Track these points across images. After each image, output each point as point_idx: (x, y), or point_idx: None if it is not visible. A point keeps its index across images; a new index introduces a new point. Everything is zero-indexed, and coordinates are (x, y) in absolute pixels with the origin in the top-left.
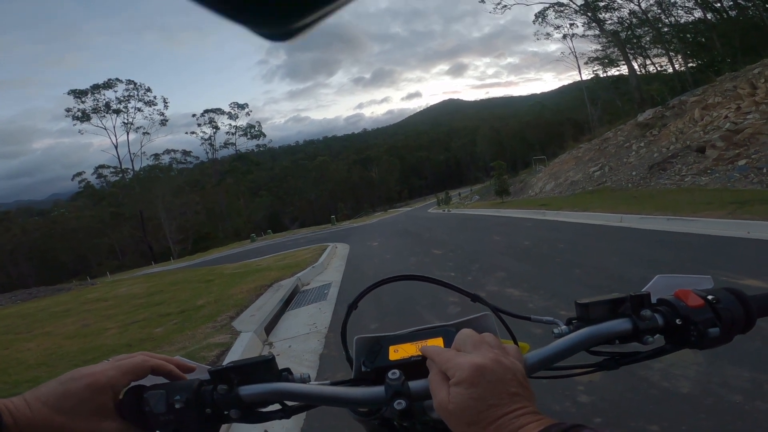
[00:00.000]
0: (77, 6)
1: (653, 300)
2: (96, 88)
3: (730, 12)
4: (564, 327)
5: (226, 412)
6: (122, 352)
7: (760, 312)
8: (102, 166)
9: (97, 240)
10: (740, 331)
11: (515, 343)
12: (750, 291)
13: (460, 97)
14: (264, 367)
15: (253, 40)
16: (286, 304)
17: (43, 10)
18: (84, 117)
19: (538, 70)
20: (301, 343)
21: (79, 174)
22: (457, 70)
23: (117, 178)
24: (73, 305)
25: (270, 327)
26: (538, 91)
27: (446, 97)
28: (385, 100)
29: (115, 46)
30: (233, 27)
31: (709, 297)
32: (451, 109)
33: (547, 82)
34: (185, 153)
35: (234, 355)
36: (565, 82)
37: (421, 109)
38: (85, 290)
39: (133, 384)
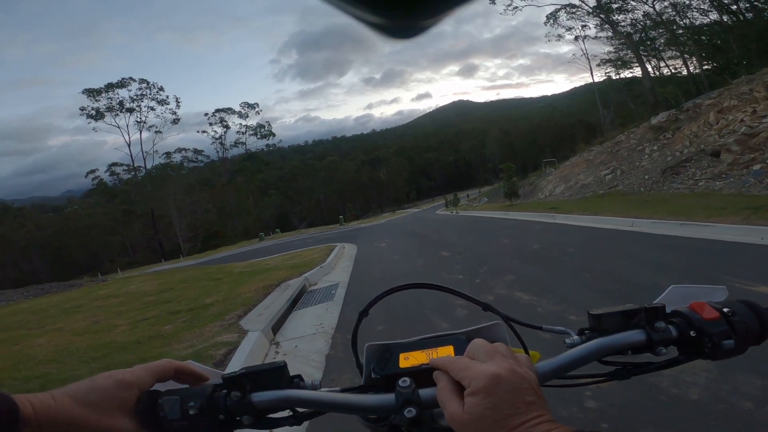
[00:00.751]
0: (98, 5)
1: (667, 311)
2: (110, 87)
3: (746, 14)
4: (576, 337)
5: (238, 418)
6: (132, 349)
7: None
8: (115, 164)
9: (109, 237)
10: (754, 342)
11: (526, 352)
12: (764, 298)
13: (470, 99)
14: (276, 374)
15: (266, 38)
16: (294, 303)
17: (64, 8)
18: (98, 115)
19: (550, 72)
20: (308, 343)
21: (93, 171)
22: (468, 71)
23: (129, 176)
24: (84, 301)
25: (277, 326)
26: (549, 93)
27: (456, 98)
28: (394, 100)
29: (132, 45)
30: (246, 26)
31: (725, 309)
32: (460, 110)
33: (558, 83)
34: (196, 152)
35: (241, 354)
36: (577, 84)
37: (431, 110)
38: (96, 287)
39: (148, 390)
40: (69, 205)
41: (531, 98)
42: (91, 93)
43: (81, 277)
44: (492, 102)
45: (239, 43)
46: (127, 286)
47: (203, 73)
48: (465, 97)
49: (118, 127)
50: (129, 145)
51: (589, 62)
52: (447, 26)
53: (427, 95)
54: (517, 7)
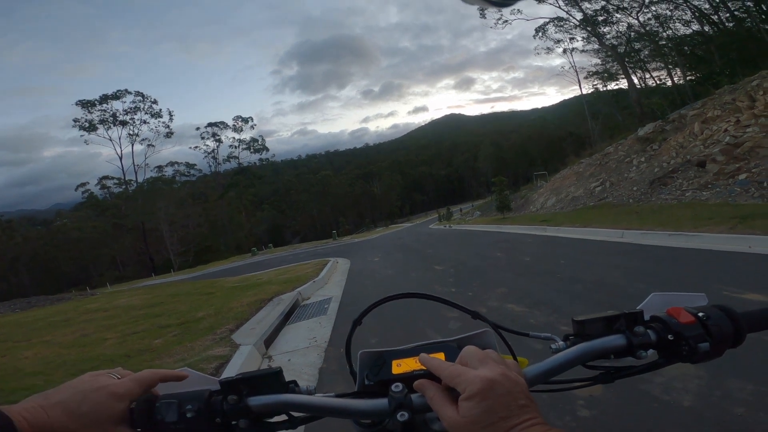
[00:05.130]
0: (99, 14)
1: (647, 317)
2: (105, 98)
3: (727, 24)
4: (561, 343)
5: (234, 422)
6: (121, 362)
7: (750, 328)
8: (105, 177)
9: (99, 251)
10: (730, 345)
11: (514, 358)
12: (751, 305)
13: (463, 112)
14: (272, 379)
15: (268, 49)
16: (286, 317)
17: (64, 17)
18: (91, 127)
19: (541, 85)
20: (301, 356)
21: (83, 185)
22: (463, 84)
23: (120, 190)
24: (73, 315)
25: (270, 340)
26: (540, 106)
27: (449, 112)
28: (391, 114)
29: (131, 55)
30: (248, 37)
31: (700, 314)
32: (453, 123)
33: (549, 96)
34: (189, 165)
35: (233, 368)
36: (567, 96)
37: (425, 123)
38: (84, 300)
39: (146, 395)
40: (58, 218)
41: (522, 111)
42: (85, 104)
43: (69, 291)
44: (485, 115)
45: (240, 55)
46: (117, 299)
47: (203, 84)
48: (458, 111)
49: (110, 140)
50: (121, 158)
51: (577, 74)
52: (444, 40)
53: (423, 108)
54: (507, 21)
